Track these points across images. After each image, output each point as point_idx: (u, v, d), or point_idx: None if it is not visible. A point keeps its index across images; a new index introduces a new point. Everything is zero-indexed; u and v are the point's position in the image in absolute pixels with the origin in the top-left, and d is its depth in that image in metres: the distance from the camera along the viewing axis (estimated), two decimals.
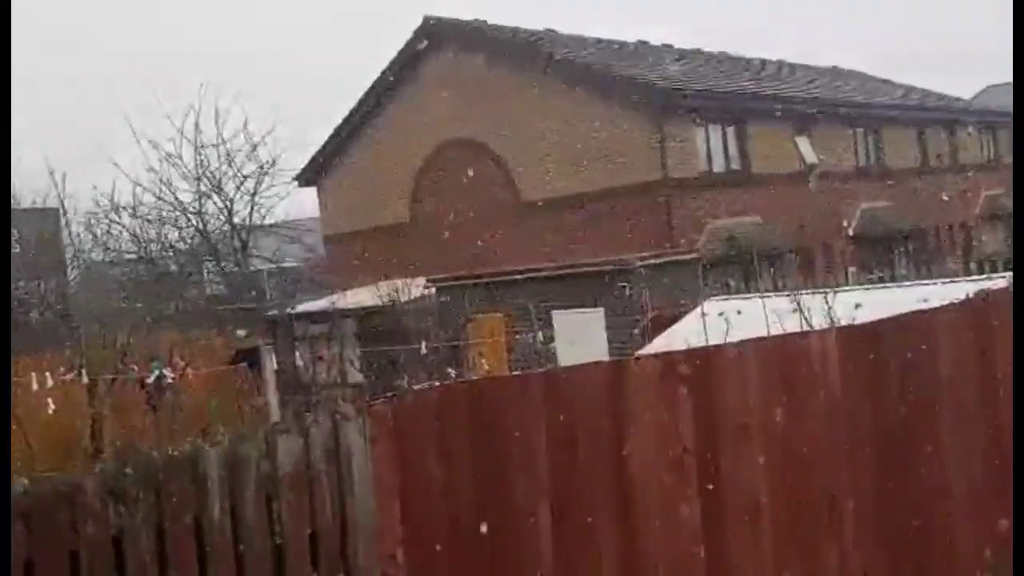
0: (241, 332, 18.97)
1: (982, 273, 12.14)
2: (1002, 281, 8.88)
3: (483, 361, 13.80)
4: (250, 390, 13.21)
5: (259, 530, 2.82)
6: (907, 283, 11.38)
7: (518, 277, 15.97)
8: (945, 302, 6.51)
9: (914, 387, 5.67)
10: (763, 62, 25.06)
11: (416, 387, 3.52)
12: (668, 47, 23.50)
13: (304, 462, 2.89)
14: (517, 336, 15.57)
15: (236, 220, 29.20)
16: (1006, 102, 34.43)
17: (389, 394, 3.27)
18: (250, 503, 2.81)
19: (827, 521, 4.84)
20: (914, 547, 5.53)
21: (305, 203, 29.48)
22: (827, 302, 7.83)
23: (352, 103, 22.22)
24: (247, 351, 13.39)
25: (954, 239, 25.01)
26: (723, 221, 17.89)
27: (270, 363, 11.54)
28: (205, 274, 30.84)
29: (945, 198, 24.53)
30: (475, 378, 9.16)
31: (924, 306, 6.21)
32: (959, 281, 10.26)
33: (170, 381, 12.73)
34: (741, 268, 16.71)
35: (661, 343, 10.35)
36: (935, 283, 10.37)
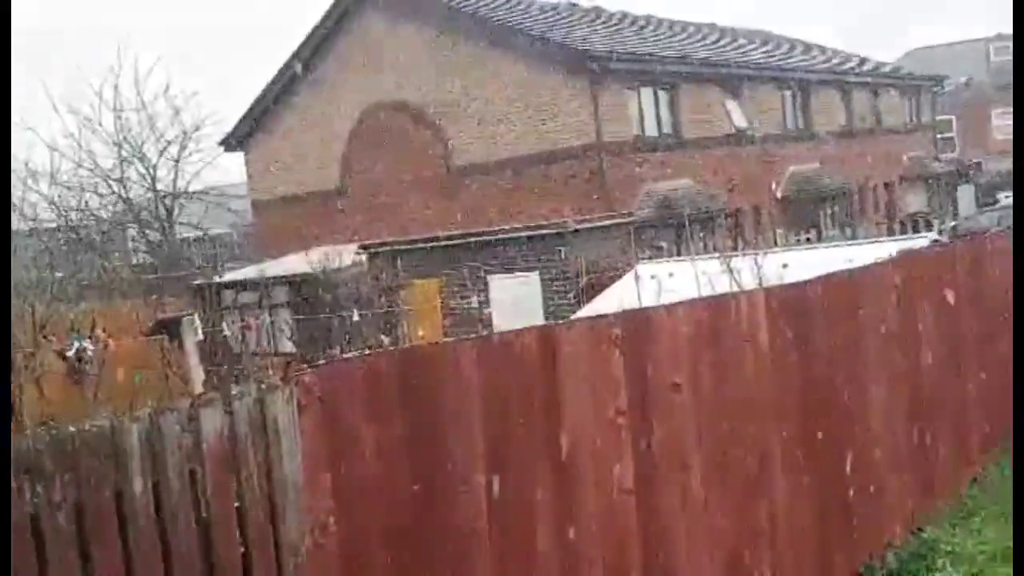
0: (166, 301, 18.50)
1: (904, 233, 12.48)
2: (923, 240, 9.14)
3: (417, 328, 13.71)
4: (176, 362, 12.88)
5: (183, 505, 2.73)
6: (833, 244, 11.64)
7: (452, 243, 15.87)
8: (869, 261, 6.68)
9: (840, 343, 5.81)
10: (693, 26, 25.18)
11: (347, 355, 3.45)
12: (599, 10, 23.43)
13: (229, 434, 2.81)
14: (452, 302, 15.51)
15: (160, 186, 28.35)
16: (927, 66, 35.29)
17: (318, 363, 3.19)
18: (173, 478, 2.72)
19: (757, 474, 4.94)
20: (841, 495, 5.70)
21: (232, 169, 28.76)
22: (756, 263, 7.96)
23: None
24: (168, 321, 13.01)
25: (878, 200, 25.67)
26: (656, 185, 18.02)
27: (192, 333, 11.27)
28: (129, 242, 29.95)
29: (869, 160, 25.14)
30: (408, 345, 9.10)
31: (850, 266, 6.35)
32: (883, 241, 10.52)
33: (91, 353, 12.35)
34: (674, 231, 16.90)
35: (596, 306, 10.42)
36: (860, 243, 10.63)
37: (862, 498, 5.89)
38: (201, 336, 13.54)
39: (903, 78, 29.22)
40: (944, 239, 9.46)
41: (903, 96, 28.38)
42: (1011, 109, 43.45)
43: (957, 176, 30.63)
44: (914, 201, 27.21)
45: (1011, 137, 42.95)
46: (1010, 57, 47.23)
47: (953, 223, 19.04)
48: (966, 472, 7.48)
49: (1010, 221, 11.72)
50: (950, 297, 7.49)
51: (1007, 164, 38.15)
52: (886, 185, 26.25)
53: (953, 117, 41.31)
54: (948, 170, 30.36)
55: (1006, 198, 26.29)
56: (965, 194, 29.25)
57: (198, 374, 12.54)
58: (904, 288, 6.75)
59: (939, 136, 34.09)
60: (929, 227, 14.05)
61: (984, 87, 43.74)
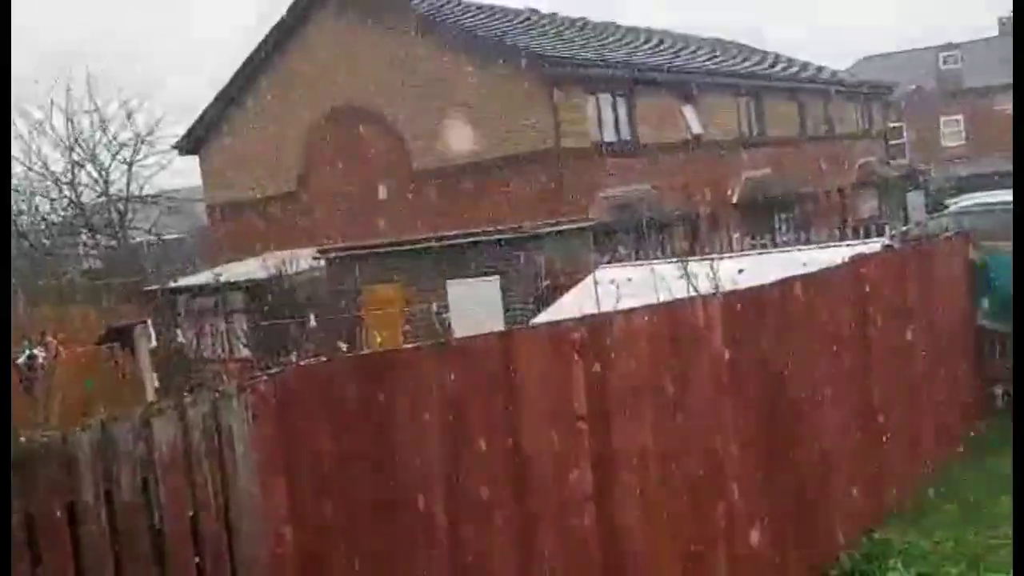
0: (119, 307, 18.18)
1: (857, 237, 12.72)
2: (876, 245, 9.31)
3: (376, 334, 13.63)
4: (129, 369, 12.65)
5: (135, 514, 2.69)
6: (788, 248, 11.82)
7: (412, 247, 15.81)
8: (823, 266, 6.78)
9: (796, 346, 5.89)
10: (650, 33, 25.40)
11: (304, 362, 3.42)
12: (558, 16, 23.55)
13: (183, 443, 2.77)
14: (411, 307, 15.45)
15: (112, 190, 27.88)
16: (878, 74, 36.01)
17: (274, 370, 3.16)
18: (125, 487, 2.67)
19: (714, 477, 4.99)
20: (797, 497, 5.77)
21: (187, 172, 28.37)
22: (712, 268, 8.04)
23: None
24: (121, 327, 12.75)
25: (831, 205, 26.09)
26: (615, 189, 18.13)
27: (145, 340, 11.07)
28: (81, 247, 29.39)
29: (823, 166, 25.55)
30: (366, 351, 9.04)
31: (804, 270, 6.45)
32: (837, 245, 10.70)
33: (42, 361, 12.08)
34: (633, 235, 17.02)
35: (555, 311, 10.45)
36: (814, 248, 10.80)
37: (817, 499, 5.98)
38: (155, 343, 13.30)
39: (854, 85, 29.76)
40: (896, 243, 9.65)
41: (855, 103, 28.90)
42: (959, 117, 44.54)
43: (907, 182, 31.27)
44: (866, 206, 27.71)
45: (960, 144, 43.98)
46: (958, 65, 48.42)
47: (904, 228, 19.42)
48: (919, 473, 7.62)
49: (957, 227, 11.98)
50: (902, 299, 7.64)
51: (956, 171, 39.07)
52: (839, 191, 26.70)
53: (903, 124, 42.20)
54: (899, 176, 30.99)
55: (955, 204, 26.85)
56: (915, 200, 29.85)
57: (151, 382, 12.31)
58: (858, 291, 6.87)
59: (890, 143, 34.80)
60: (881, 232, 14.32)
61: (933, 95, 44.76)
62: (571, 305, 9.71)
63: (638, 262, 12.17)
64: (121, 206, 27.96)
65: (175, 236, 30.57)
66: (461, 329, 12.99)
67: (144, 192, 28.69)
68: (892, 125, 36.70)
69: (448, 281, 15.19)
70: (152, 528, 2.73)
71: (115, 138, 27.41)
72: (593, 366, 4.21)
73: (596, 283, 9.86)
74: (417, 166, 18.99)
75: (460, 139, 18.31)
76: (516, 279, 14.60)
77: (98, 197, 28.07)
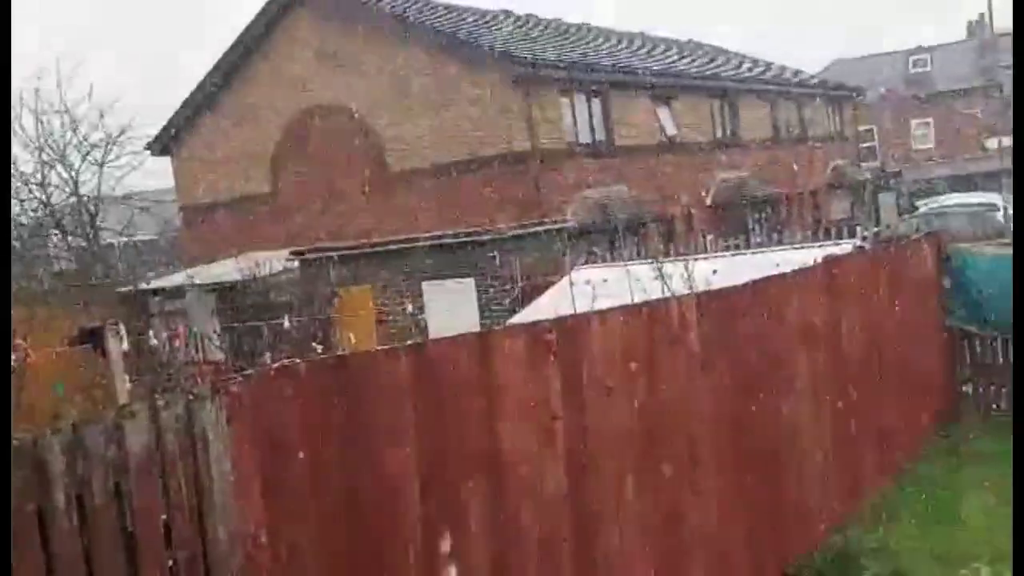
0: (91, 309, 17.96)
1: (829, 239, 12.84)
2: (848, 246, 9.41)
3: (351, 335, 13.55)
4: (100, 372, 12.47)
5: (108, 519, 2.66)
6: (761, 249, 11.90)
7: (387, 248, 15.75)
8: (796, 266, 6.85)
9: (769, 347, 5.94)
10: (625, 35, 25.50)
11: (278, 364, 3.40)
12: (533, 17, 23.57)
13: (156, 446, 2.74)
14: (387, 309, 15.40)
15: (83, 191, 27.54)
16: (849, 77, 36.38)
17: (248, 372, 3.14)
18: (97, 491, 2.64)
19: (689, 475, 5.02)
20: (770, 496, 5.82)
21: (159, 173, 28.10)
22: (687, 269, 8.08)
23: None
24: (92, 329, 12.59)
25: (803, 207, 26.32)
26: (591, 191, 18.17)
27: (117, 342, 10.92)
28: (51, 249, 29.00)
29: (795, 168, 25.77)
30: (341, 353, 9.00)
31: (777, 271, 6.50)
32: (810, 246, 10.80)
33: (12, 364, 11.89)
34: (608, 237, 17.06)
35: (531, 312, 10.45)
36: (787, 249, 10.89)
37: (790, 498, 6.03)
38: (127, 345, 13.14)
39: (827, 89, 30.04)
40: (867, 244, 9.76)
41: (827, 106, 29.18)
42: (929, 119, 45.11)
43: (879, 184, 31.64)
44: (838, 208, 27.99)
45: (929, 146, 44.55)
46: (927, 69, 49.05)
47: (876, 229, 19.65)
48: (890, 472, 7.71)
49: (928, 228, 12.14)
50: (874, 299, 7.72)
51: (926, 172, 39.58)
52: (812, 192, 26.94)
53: (874, 127, 42.70)
54: (870, 178, 31.34)
55: (925, 206, 27.22)
56: (887, 202, 30.22)
57: (123, 384, 12.15)
58: (830, 292, 6.94)
59: (861, 145, 35.19)
60: (853, 233, 14.46)
61: (903, 98, 45.31)
62: (547, 306, 9.72)
63: (613, 263, 12.21)
64: (92, 207, 27.63)
65: (147, 237, 30.25)
66: (437, 330, 12.97)
67: (116, 193, 28.37)
68: (863, 128, 37.11)
69: (424, 282, 15.15)
70: (125, 531, 2.71)
71: (86, 138, 27.08)
72: (569, 366, 4.23)
73: (572, 284, 9.88)
74: (393, 167, 18.93)
75: (435, 140, 18.28)
76: (492, 280, 14.59)
77: (68, 198, 27.71)
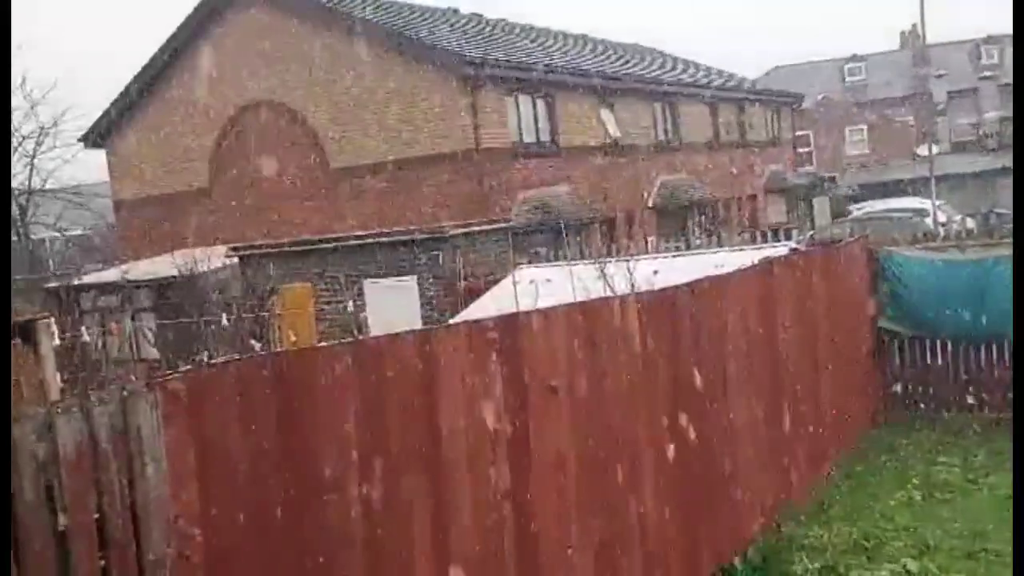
0: (20, 305, 17.43)
1: (766, 241, 13.10)
2: (783, 248, 9.61)
3: (290, 333, 13.38)
4: (30, 369, 12.10)
5: (38, 518, 2.59)
6: (702, 251, 12.08)
7: (328, 246, 15.60)
8: (735, 268, 6.98)
9: (707, 346, 6.04)
10: (570, 37, 25.65)
11: (215, 361, 3.35)
12: (479, 16, 23.57)
13: (89, 444, 2.68)
14: (327, 307, 15.24)
15: (14, 184, 26.73)
16: (787, 83, 37.15)
17: (184, 369, 3.09)
18: (27, 489, 2.58)
19: (628, 473, 5.08)
20: (707, 493, 5.92)
21: (94, 166, 27.41)
22: (629, 269, 8.17)
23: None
24: (22, 324, 12.21)
25: (742, 210, 26.79)
26: (534, 191, 18.24)
27: (48, 338, 10.63)
28: None
29: (734, 172, 26.23)
30: (280, 350, 8.90)
31: (717, 271, 6.62)
32: (747, 249, 11.00)
33: None
34: (551, 237, 17.15)
35: (474, 311, 10.45)
36: (725, 250, 11.07)
37: (726, 495, 6.14)
38: (58, 341, 12.78)
39: (765, 94, 30.63)
40: (802, 247, 9.99)
41: (765, 111, 29.75)
42: (863, 126, 46.31)
43: (814, 189, 32.40)
44: (775, 212, 28.56)
45: (863, 153, 45.70)
46: (863, 77, 50.35)
47: (810, 232, 20.12)
48: (822, 469, 7.90)
49: (859, 231, 12.45)
50: (808, 300, 7.91)
51: (859, 178, 40.61)
52: (750, 196, 27.45)
53: (811, 132, 43.68)
54: (806, 183, 32.07)
55: (858, 210, 27.94)
56: (821, 206, 30.96)
57: (55, 381, 11.81)
58: (766, 292, 7.09)
59: (798, 150, 35.97)
60: (789, 236, 14.78)
61: (839, 105, 46.45)
62: (490, 305, 9.73)
63: (556, 263, 12.28)
64: (23, 200, 26.85)
65: (80, 232, 29.50)
66: (378, 328, 12.89)
67: (47, 186, 27.62)
68: (800, 133, 37.93)
69: (365, 280, 15.04)
70: (56, 532, 2.64)
71: (17, 130, 26.29)
72: (511, 364, 4.24)
73: (515, 283, 9.91)
74: (334, 164, 18.75)
75: (379, 138, 18.16)
76: (434, 279, 14.55)
77: None
